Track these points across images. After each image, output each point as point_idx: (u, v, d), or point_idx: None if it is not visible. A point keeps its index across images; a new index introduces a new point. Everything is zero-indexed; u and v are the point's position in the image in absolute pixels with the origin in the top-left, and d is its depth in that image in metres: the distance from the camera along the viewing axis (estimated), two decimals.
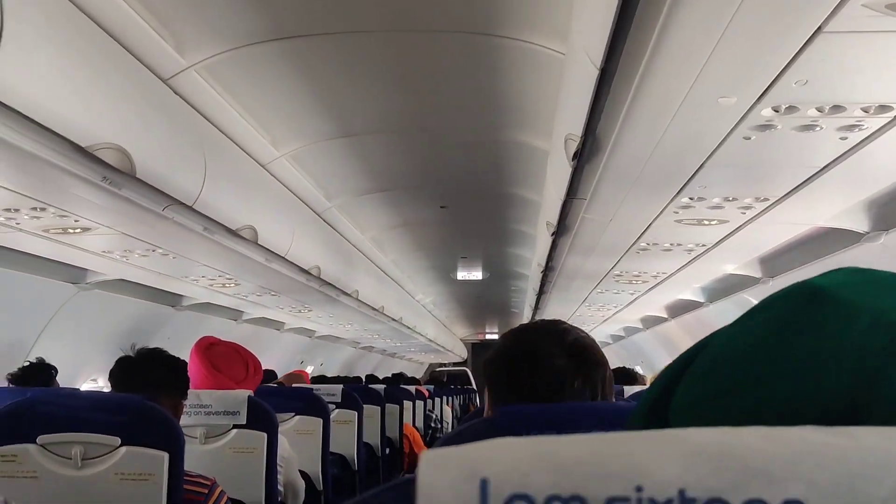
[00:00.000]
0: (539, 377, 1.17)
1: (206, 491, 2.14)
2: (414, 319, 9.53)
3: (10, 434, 1.91)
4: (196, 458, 2.52)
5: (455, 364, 18.75)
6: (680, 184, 2.36)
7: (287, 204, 4.48)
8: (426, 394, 8.09)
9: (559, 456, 0.37)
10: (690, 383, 0.46)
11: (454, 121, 4.05)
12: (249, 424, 2.74)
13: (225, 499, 2.20)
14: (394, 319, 8.12)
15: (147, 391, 2.12)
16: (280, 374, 6.59)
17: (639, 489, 0.35)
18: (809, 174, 2.26)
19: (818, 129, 1.87)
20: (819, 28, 1.33)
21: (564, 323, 1.25)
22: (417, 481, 0.37)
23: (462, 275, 9.20)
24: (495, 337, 18.93)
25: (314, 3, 2.83)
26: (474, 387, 17.27)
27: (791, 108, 1.72)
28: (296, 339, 8.25)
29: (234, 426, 2.75)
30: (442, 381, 11.88)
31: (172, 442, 1.98)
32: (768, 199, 2.58)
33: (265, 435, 2.76)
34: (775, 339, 0.44)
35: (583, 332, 1.25)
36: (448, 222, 6.50)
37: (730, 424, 0.39)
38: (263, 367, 4.22)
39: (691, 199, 2.54)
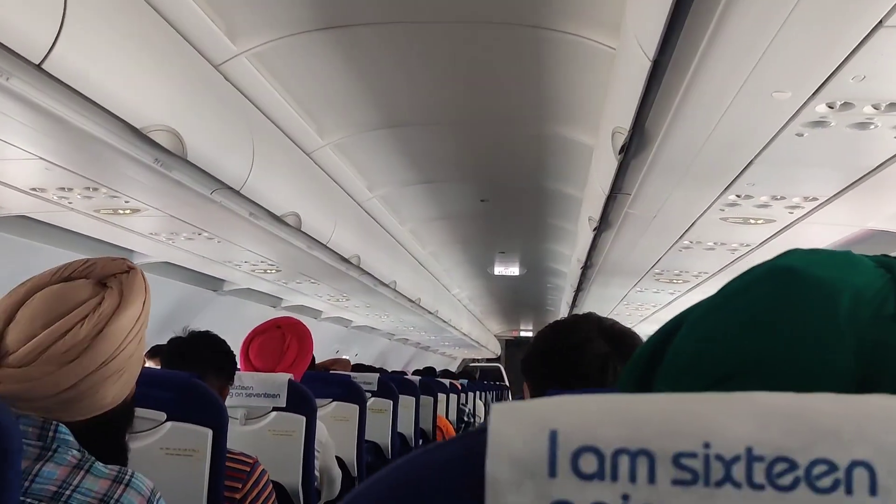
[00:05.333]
0: (582, 362, 1.19)
1: (249, 469, 2.17)
2: (449, 313, 9.55)
3: None
4: (236, 438, 2.55)
5: (488, 360, 18.74)
6: (728, 180, 2.34)
7: (330, 192, 4.52)
8: (459, 387, 8.11)
9: (629, 411, 0.38)
10: (678, 365, 0.47)
11: (499, 114, 4.05)
12: (289, 407, 2.77)
13: (266, 477, 2.23)
14: (430, 312, 8.14)
15: (195, 371, 2.16)
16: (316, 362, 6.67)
17: (706, 445, 0.36)
18: (861, 174, 2.22)
19: (873, 126, 1.84)
20: (880, 23, 1.31)
21: (600, 316, 1.28)
22: (489, 431, 0.38)
23: (499, 270, 9.18)
24: (530, 334, 18.87)
25: None
26: (507, 383, 17.25)
27: (846, 105, 1.70)
28: (332, 328, 8.32)
29: (274, 408, 2.78)
30: (474, 376, 11.87)
31: (216, 419, 2.01)
32: (817, 199, 2.54)
33: (304, 419, 2.79)
34: (767, 321, 0.45)
35: (618, 322, 1.28)
36: (487, 216, 6.50)
37: None
38: None
39: (738, 196, 2.52)
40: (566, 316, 1.35)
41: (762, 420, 0.36)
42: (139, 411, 2.02)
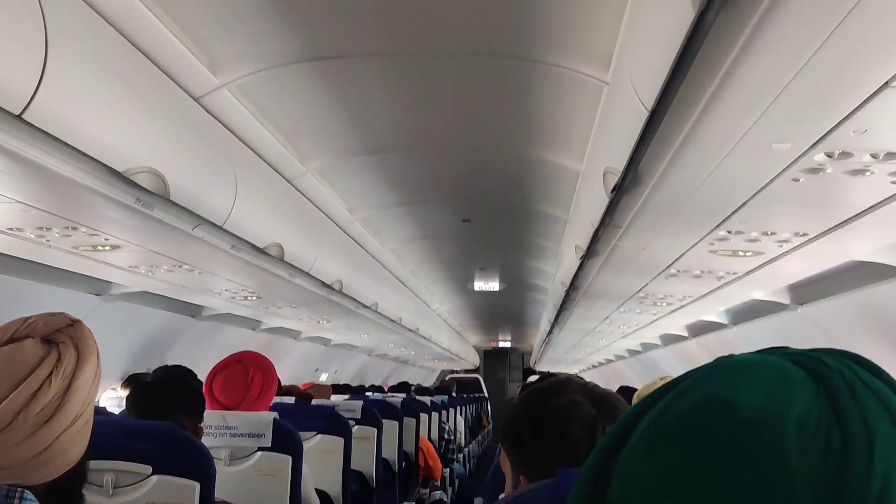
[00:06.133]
0: (572, 425, 1.18)
1: None
2: (430, 329, 9.51)
3: None
4: (221, 479, 2.49)
5: (467, 371, 18.72)
6: (720, 219, 2.33)
7: (312, 218, 4.47)
8: (440, 404, 8.07)
9: None
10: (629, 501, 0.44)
11: (482, 139, 4.03)
12: (274, 447, 2.72)
13: None
14: (410, 330, 8.11)
15: (167, 415, 2.11)
16: (293, 381, 6.59)
17: None
18: (854, 213, 2.22)
19: (869, 173, 1.83)
20: (886, 83, 1.30)
21: (576, 376, 1.29)
22: None
23: (479, 285, 9.17)
24: (508, 344, 18.89)
25: (347, 25, 2.81)
26: (486, 394, 17.24)
27: (844, 154, 1.69)
28: (312, 347, 8.24)
29: (259, 448, 2.73)
30: (452, 390, 11.82)
31: (204, 471, 1.97)
32: (807, 234, 2.54)
33: (290, 458, 2.74)
34: (715, 473, 0.41)
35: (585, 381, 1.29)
36: (469, 235, 6.48)
37: None
38: (281, 374, 4.21)
39: (729, 232, 2.51)
40: (544, 382, 1.34)
41: None
42: (123, 465, 1.98)
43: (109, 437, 1.97)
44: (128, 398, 2.24)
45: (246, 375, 2.89)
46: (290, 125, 3.71)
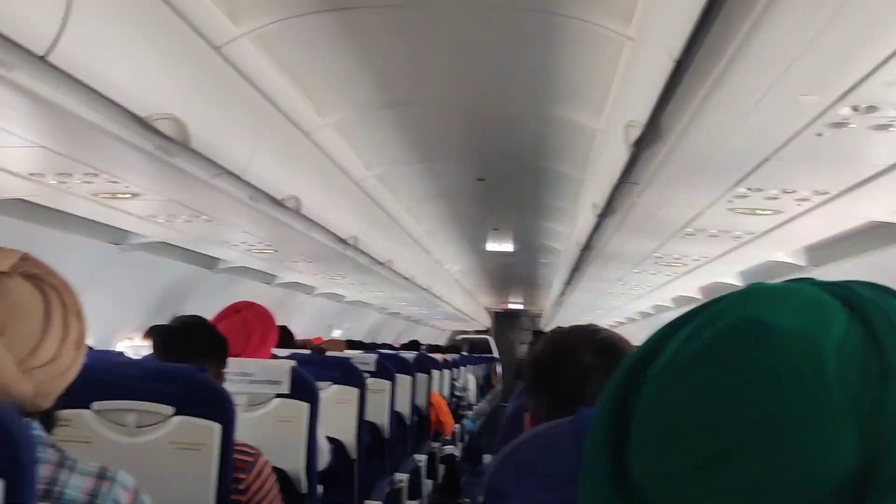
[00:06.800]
0: (565, 373, 1.23)
1: (252, 460, 2.18)
2: (442, 289, 9.55)
3: (65, 399, 1.94)
4: (239, 424, 2.54)
5: (477, 332, 18.80)
6: (740, 175, 2.32)
7: (328, 173, 4.47)
8: (451, 361, 8.15)
9: None
10: (657, 437, 0.43)
11: (501, 94, 4.00)
12: (292, 394, 2.76)
13: (269, 468, 2.24)
14: (423, 289, 8.14)
15: (191, 360, 2.14)
16: (306, 336, 6.65)
17: None
18: (875, 171, 2.21)
19: (892, 128, 1.82)
20: None
21: (597, 326, 1.32)
22: None
23: (492, 246, 9.16)
24: (520, 306, 18.93)
25: None
26: (496, 355, 17.35)
27: (871, 108, 1.68)
28: (326, 303, 8.31)
29: (277, 395, 2.78)
30: (462, 349, 11.90)
31: (225, 413, 2.00)
32: (828, 193, 2.52)
33: (307, 405, 2.78)
34: (752, 392, 0.41)
35: (612, 332, 1.31)
36: (483, 194, 6.47)
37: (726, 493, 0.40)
38: (294, 330, 4.25)
39: (749, 189, 2.50)
40: (566, 327, 1.38)
41: None
42: (146, 405, 2.02)
43: (133, 378, 2.00)
44: (154, 343, 2.27)
45: (245, 325, 2.91)
46: (308, 77, 3.70)
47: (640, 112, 2.09)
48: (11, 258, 1.14)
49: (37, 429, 1.13)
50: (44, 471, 1.11)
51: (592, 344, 1.24)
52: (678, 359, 0.44)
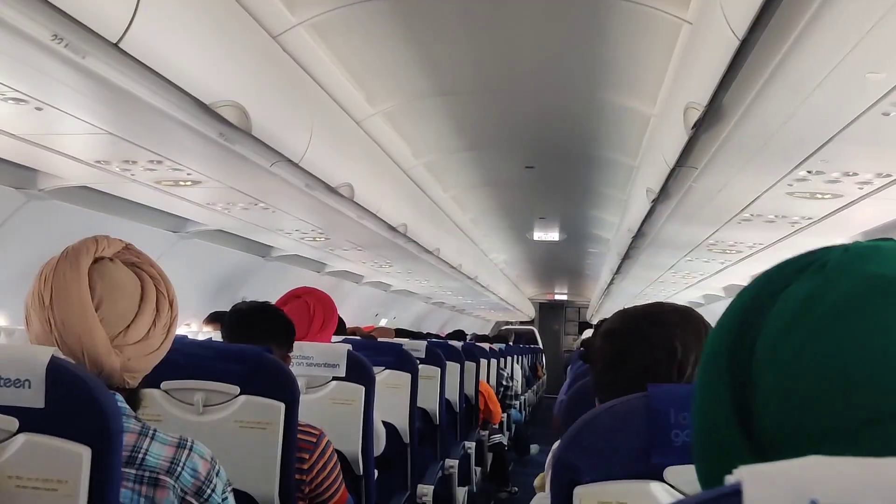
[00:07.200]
0: (650, 344, 1.21)
1: (315, 440, 2.22)
2: (487, 278, 9.56)
3: None
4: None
5: (522, 323, 18.77)
6: (802, 157, 2.29)
7: (379, 161, 4.52)
8: (498, 351, 8.17)
9: (892, 478, 0.36)
10: (796, 399, 0.42)
11: (552, 80, 3.99)
12: (348, 377, 2.81)
13: (331, 448, 2.28)
14: (469, 278, 8.16)
15: (259, 342, 2.19)
16: (354, 324, 6.71)
17: None
18: None
19: None
20: None
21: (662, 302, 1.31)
22: (744, 497, 0.36)
23: (538, 235, 9.12)
24: (564, 297, 18.83)
25: None
26: (541, 346, 17.31)
27: None
28: (372, 292, 8.38)
29: (334, 378, 2.82)
30: (509, 339, 11.89)
31: (288, 393, 2.05)
32: (890, 176, 2.48)
33: (363, 388, 2.83)
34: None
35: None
36: (530, 183, 6.45)
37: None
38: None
39: (809, 172, 2.46)
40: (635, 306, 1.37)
41: None
42: (213, 385, 2.07)
43: (201, 358, 2.05)
44: (223, 326, 2.33)
45: (308, 309, 2.96)
46: (361, 66, 3.73)
47: (701, 94, 2.07)
48: (116, 246, 1.25)
49: (121, 401, 1.19)
50: (127, 439, 1.17)
51: (670, 313, 1.24)
52: (814, 312, 0.43)
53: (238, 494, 1.48)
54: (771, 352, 0.44)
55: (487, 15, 3.26)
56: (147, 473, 1.18)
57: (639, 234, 4.54)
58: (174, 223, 4.17)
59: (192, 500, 1.21)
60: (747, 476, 0.36)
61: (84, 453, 1.06)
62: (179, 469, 1.21)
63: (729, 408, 0.45)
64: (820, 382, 0.41)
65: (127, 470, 1.16)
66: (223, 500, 1.28)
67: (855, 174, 2.50)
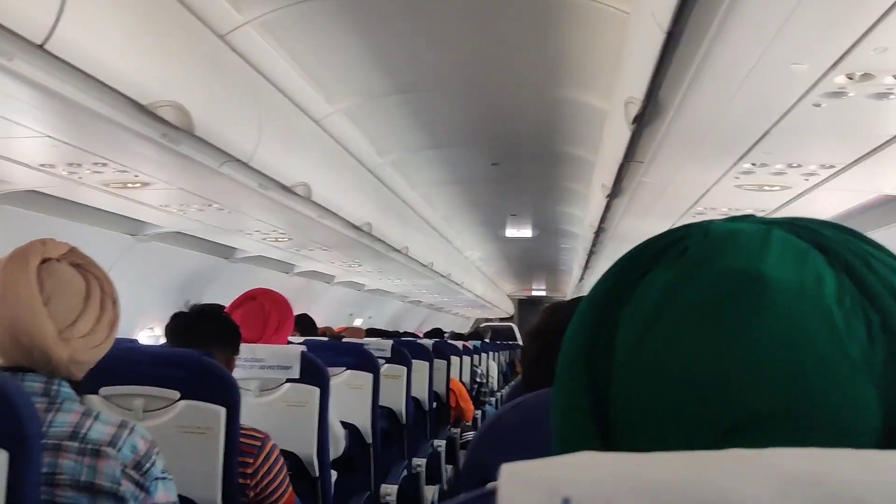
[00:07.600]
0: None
1: (259, 444, 2.19)
2: (462, 275, 9.56)
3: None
4: (250, 410, 2.57)
5: (501, 319, 18.81)
6: (743, 150, 2.30)
7: (339, 160, 4.49)
8: (471, 348, 8.15)
9: (645, 478, 0.34)
10: (648, 410, 0.39)
11: (509, 77, 3.99)
12: (302, 379, 2.79)
13: (277, 452, 2.25)
14: (442, 275, 8.15)
15: (201, 346, 2.16)
16: (325, 326, 6.70)
17: None
18: (880, 142, 2.17)
19: (893, 97, 1.79)
20: None
21: None
22: (498, 497, 0.35)
23: (511, 232, 9.15)
24: (543, 293, 18.90)
25: None
26: (519, 342, 17.34)
27: (866, 76, 1.65)
28: (345, 292, 8.35)
29: (288, 380, 2.80)
30: (485, 336, 11.88)
31: (229, 397, 2.03)
32: (834, 167, 2.49)
33: (317, 389, 2.81)
34: (764, 358, 0.37)
35: None
36: (499, 179, 6.45)
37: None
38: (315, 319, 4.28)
39: (753, 164, 2.47)
40: (567, 299, 1.39)
41: (783, 487, 0.33)
42: (153, 390, 2.05)
43: (140, 364, 2.03)
44: (167, 328, 2.30)
45: (262, 310, 2.94)
46: (316, 64, 3.71)
47: (638, 88, 2.07)
48: (61, 248, 1.36)
49: (66, 386, 1.29)
50: (71, 418, 1.26)
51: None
52: (671, 310, 0.40)
53: (181, 500, 1.49)
54: (626, 355, 0.40)
55: (442, 12, 3.25)
56: (89, 446, 1.25)
57: (600, 230, 4.55)
58: (131, 226, 4.13)
59: (132, 472, 1.27)
60: (505, 474, 0.35)
61: (1, 456, 1.07)
62: (121, 443, 1.28)
63: (588, 416, 0.42)
64: (677, 391, 0.38)
65: (69, 443, 1.24)
66: (163, 477, 1.34)
67: (799, 165, 2.51)
